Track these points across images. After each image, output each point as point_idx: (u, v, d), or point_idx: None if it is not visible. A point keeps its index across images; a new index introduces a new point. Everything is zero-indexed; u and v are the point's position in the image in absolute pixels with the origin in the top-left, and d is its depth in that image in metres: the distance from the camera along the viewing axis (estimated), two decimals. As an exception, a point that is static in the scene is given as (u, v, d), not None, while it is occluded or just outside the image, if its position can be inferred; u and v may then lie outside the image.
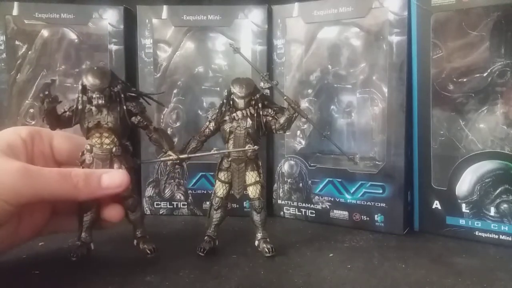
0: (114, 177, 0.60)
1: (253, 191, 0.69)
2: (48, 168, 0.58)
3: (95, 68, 0.62)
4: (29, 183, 0.54)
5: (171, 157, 0.66)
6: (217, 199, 0.71)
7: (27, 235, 0.63)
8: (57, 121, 0.62)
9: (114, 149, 0.63)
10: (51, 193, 0.57)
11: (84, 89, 0.61)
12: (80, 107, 0.61)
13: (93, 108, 0.61)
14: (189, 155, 0.68)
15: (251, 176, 0.69)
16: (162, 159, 0.68)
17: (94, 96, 0.60)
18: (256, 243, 0.69)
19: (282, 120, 0.67)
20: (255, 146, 0.67)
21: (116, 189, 0.60)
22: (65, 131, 0.65)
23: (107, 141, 0.63)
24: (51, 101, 0.59)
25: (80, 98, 0.61)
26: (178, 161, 0.67)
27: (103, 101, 0.60)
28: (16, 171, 0.54)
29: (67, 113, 0.62)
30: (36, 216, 0.64)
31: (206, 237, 0.70)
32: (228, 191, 0.71)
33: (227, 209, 0.72)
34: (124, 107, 0.62)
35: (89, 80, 0.60)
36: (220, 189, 0.71)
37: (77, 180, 0.58)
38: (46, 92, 0.59)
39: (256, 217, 0.69)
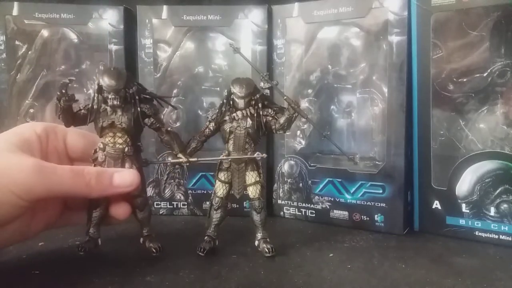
0: (125, 177, 0.62)
1: (253, 191, 0.69)
2: (61, 166, 0.59)
3: (112, 69, 0.63)
4: (42, 180, 0.56)
5: (181, 160, 0.67)
6: (217, 199, 0.71)
7: (39, 228, 0.65)
8: (72, 119, 0.63)
9: (126, 149, 0.64)
10: (63, 190, 0.58)
11: (100, 89, 0.62)
12: (95, 106, 0.63)
13: (108, 108, 0.63)
14: (199, 159, 0.69)
15: (251, 176, 0.69)
16: (172, 161, 0.69)
17: (109, 96, 0.62)
18: (256, 243, 0.69)
19: (282, 120, 0.67)
20: (264, 154, 0.68)
21: (126, 188, 0.62)
22: (80, 129, 0.67)
23: (120, 140, 0.64)
24: (67, 100, 0.61)
25: (95, 98, 0.63)
26: (188, 164, 0.68)
27: (118, 102, 0.62)
28: (30, 168, 0.55)
29: (83, 111, 0.64)
30: (49, 211, 0.65)
31: (206, 237, 0.70)
32: (228, 191, 0.71)
33: (227, 209, 0.72)
34: (138, 109, 0.64)
35: (105, 80, 0.61)
36: (220, 189, 0.71)
37: (89, 178, 0.59)
38: (63, 91, 0.60)
39: (256, 217, 0.69)
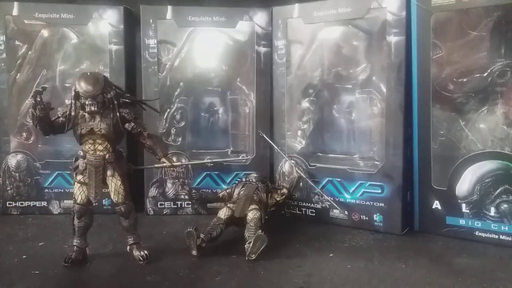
0: None
1: (250, 215, 0.73)
2: None
3: (88, 74, 0.62)
4: None
5: (164, 165, 0.67)
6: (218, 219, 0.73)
7: None
8: (50, 127, 0.62)
9: (107, 156, 0.63)
10: None
11: (77, 95, 0.61)
12: (73, 113, 0.61)
13: (86, 115, 0.62)
14: (183, 163, 0.69)
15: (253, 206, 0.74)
16: (156, 165, 0.68)
17: (87, 102, 0.60)
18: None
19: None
20: (248, 156, 0.69)
21: None
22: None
23: (100, 147, 0.63)
24: (43, 108, 0.60)
25: (73, 105, 0.62)
26: (171, 168, 0.68)
27: (96, 108, 0.61)
28: None
29: (61, 119, 0.63)
30: None
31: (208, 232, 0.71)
32: (232, 214, 0.73)
33: (222, 230, 0.72)
34: (118, 114, 0.62)
35: (81, 86, 0.60)
36: (223, 212, 0.74)
37: None
38: (38, 99, 0.59)
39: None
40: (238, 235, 0.73)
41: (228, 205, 0.75)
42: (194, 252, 0.67)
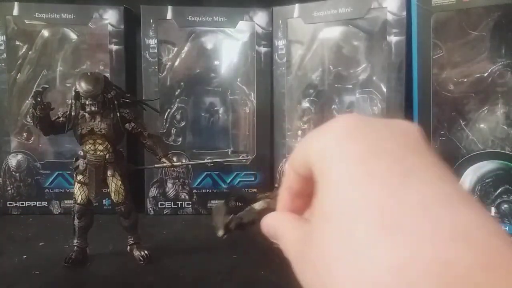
0: None
1: None
2: None
3: (88, 74, 0.62)
4: None
5: (165, 164, 0.67)
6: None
7: None
8: (50, 127, 0.63)
9: (107, 156, 0.63)
10: None
11: (78, 95, 0.61)
12: (73, 113, 0.62)
13: (87, 115, 0.62)
14: (183, 163, 0.68)
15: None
16: (156, 165, 0.68)
17: (87, 102, 0.60)
18: None
19: None
20: (249, 156, 0.68)
21: None
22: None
23: (100, 147, 0.63)
24: (43, 108, 0.60)
25: (73, 105, 0.62)
26: (172, 168, 0.68)
27: (96, 108, 0.61)
28: None
29: (61, 119, 0.63)
30: None
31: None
32: (267, 207, 0.72)
33: (255, 221, 0.71)
34: (118, 114, 0.62)
35: (82, 86, 0.60)
36: (258, 204, 0.72)
37: None
38: (38, 99, 0.59)
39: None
40: (239, 235, 0.72)
41: (266, 200, 0.73)
42: (220, 233, 0.66)
